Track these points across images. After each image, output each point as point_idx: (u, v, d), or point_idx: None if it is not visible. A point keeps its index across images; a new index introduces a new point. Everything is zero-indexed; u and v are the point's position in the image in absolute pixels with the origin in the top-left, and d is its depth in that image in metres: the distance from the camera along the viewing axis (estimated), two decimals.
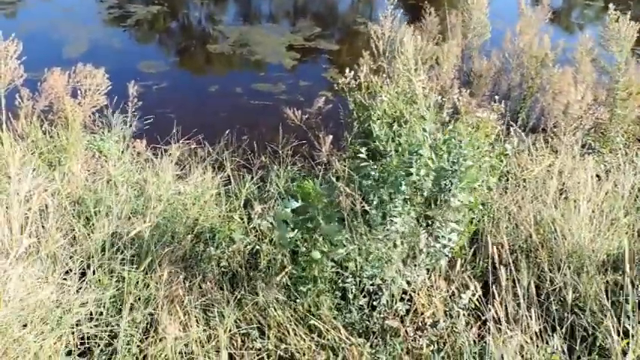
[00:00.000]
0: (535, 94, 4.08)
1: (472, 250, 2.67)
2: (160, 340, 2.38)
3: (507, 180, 3.04)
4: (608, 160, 3.16)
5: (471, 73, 4.47)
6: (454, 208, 2.21)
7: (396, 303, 2.44)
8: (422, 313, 2.54)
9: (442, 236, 2.30)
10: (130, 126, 3.87)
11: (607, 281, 2.52)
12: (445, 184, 2.19)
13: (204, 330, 2.45)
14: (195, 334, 2.38)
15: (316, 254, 2.32)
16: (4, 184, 2.88)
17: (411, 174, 2.27)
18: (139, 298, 2.52)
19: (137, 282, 2.57)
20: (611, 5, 3.89)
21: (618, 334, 2.26)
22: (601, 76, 4.19)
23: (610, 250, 2.61)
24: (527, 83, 4.19)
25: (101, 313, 2.44)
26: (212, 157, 3.73)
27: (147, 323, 2.48)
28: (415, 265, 2.36)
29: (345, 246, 2.35)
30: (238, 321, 2.53)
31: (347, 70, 3.19)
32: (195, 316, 2.47)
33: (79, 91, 4.06)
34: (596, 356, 2.34)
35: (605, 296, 2.45)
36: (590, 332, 2.37)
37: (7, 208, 2.56)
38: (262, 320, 2.53)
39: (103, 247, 2.67)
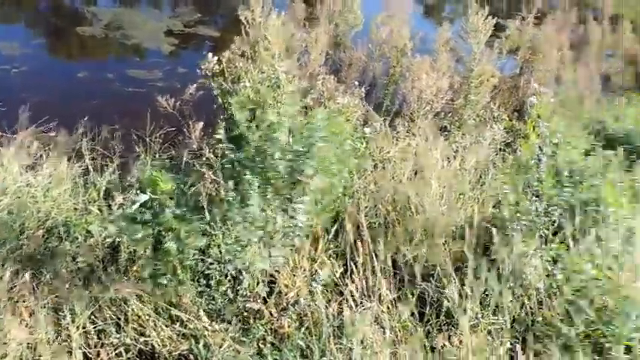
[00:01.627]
0: (397, 81, 4.32)
1: (334, 229, 2.77)
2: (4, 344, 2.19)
3: (369, 162, 3.19)
4: (458, 140, 3.44)
5: (341, 61, 4.61)
6: (311, 189, 2.27)
7: (257, 284, 2.46)
8: (286, 294, 2.60)
9: (295, 217, 2.36)
10: None
11: (453, 250, 2.74)
12: (299, 167, 2.24)
13: (56, 330, 2.30)
14: (44, 335, 2.22)
15: (172, 246, 2.27)
16: None
17: (266, 158, 2.29)
18: None
19: None
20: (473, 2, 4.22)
21: (461, 297, 2.49)
22: (459, 65, 4.54)
23: (458, 221, 2.85)
24: (390, 71, 4.42)
25: None
26: (69, 145, 3.49)
27: None
28: (273, 247, 2.40)
29: (204, 234, 2.32)
30: (94, 317, 2.41)
31: (210, 55, 3.14)
32: (44, 316, 2.30)
33: None
34: (444, 318, 2.54)
35: (450, 264, 2.67)
36: (437, 298, 2.58)
37: None
38: (121, 315, 2.43)
39: None
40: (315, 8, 4.82)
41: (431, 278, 2.68)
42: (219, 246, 2.52)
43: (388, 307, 2.47)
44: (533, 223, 2.59)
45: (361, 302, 2.41)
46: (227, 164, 2.52)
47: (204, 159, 3.45)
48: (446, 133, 3.81)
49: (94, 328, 2.32)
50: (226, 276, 2.53)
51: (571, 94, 4.86)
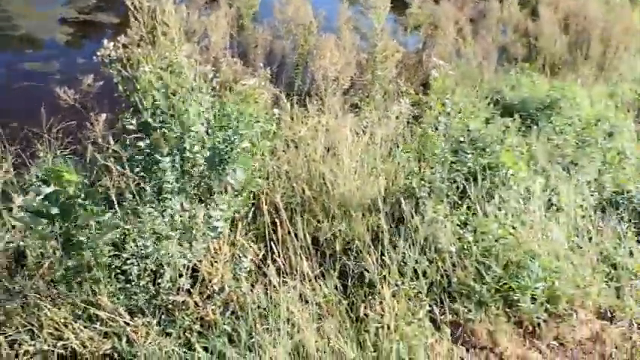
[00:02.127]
0: (305, 60, 4.36)
1: (251, 212, 2.77)
2: None
3: (282, 143, 3.21)
4: (368, 116, 3.54)
5: (245, 43, 4.56)
6: (231, 184, 2.26)
7: (180, 277, 2.42)
8: (210, 281, 2.58)
9: (215, 210, 2.34)
10: None
11: (369, 222, 2.85)
12: (220, 163, 2.22)
13: None
14: None
15: (83, 240, 2.17)
16: None
17: (185, 149, 2.25)
18: None
19: None
20: None
21: (381, 267, 2.61)
22: (363, 42, 4.65)
23: (371, 194, 2.96)
24: (297, 51, 4.44)
25: None
26: None
27: None
28: (194, 241, 2.37)
29: (116, 227, 2.24)
30: (5, 328, 2.26)
31: (105, 42, 2.98)
32: None
33: None
34: (366, 289, 2.65)
35: (368, 236, 2.78)
36: (357, 270, 2.67)
37: None
38: (34, 321, 2.30)
39: None
40: None
41: (350, 252, 2.77)
42: (134, 240, 2.44)
43: (311, 284, 2.53)
44: (439, 189, 2.75)
45: (284, 282, 2.45)
46: (138, 155, 2.44)
47: (110, 151, 3.31)
48: (357, 109, 3.90)
49: (5, 338, 2.18)
50: (145, 270, 2.47)
51: (470, 67, 5.14)
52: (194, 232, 2.34)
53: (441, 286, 2.64)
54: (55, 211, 2.16)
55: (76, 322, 2.29)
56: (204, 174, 2.29)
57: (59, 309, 2.33)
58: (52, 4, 7.92)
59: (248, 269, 2.51)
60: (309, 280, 2.51)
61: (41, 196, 2.11)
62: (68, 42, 6.81)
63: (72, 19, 7.43)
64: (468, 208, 2.94)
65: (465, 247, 2.71)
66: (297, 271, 2.55)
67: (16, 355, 2.23)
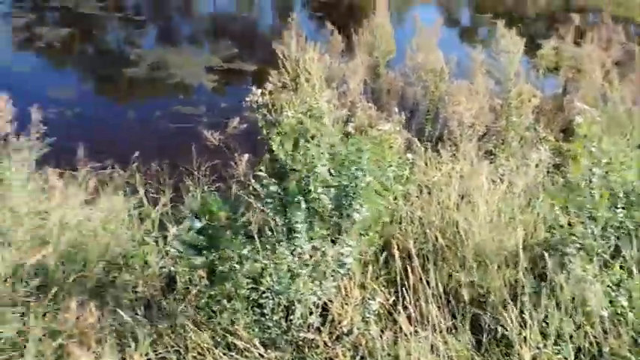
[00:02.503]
0: (436, 106, 4.35)
1: (384, 256, 2.77)
2: None
3: (414, 188, 3.20)
4: (504, 164, 3.41)
5: (379, 89, 4.69)
6: (356, 221, 2.30)
7: (310, 315, 2.48)
8: (339, 322, 2.61)
9: (344, 249, 2.39)
10: (37, 153, 3.70)
11: (507, 276, 2.70)
12: (345, 201, 2.28)
13: (121, 358, 2.37)
14: None
15: (226, 270, 2.33)
16: None
17: (310, 191, 2.34)
18: (47, 331, 2.41)
19: (44, 314, 2.45)
20: (499, 23, 4.25)
21: (520, 326, 2.44)
22: (497, 87, 4.54)
23: (509, 246, 2.81)
24: (429, 97, 4.45)
25: (2, 350, 2.31)
26: (123, 180, 3.65)
27: (57, 356, 2.37)
28: (324, 280, 2.42)
29: (255, 261, 2.37)
30: (155, 345, 2.47)
31: (254, 88, 3.24)
32: (110, 344, 2.39)
33: None
34: (503, 348, 2.49)
35: (505, 290, 2.63)
36: (493, 325, 2.53)
37: None
38: (180, 343, 2.49)
39: (5, 280, 2.53)
40: (351, 40, 4.94)
41: (485, 305, 2.64)
42: (270, 275, 2.56)
43: (442, 335, 2.44)
44: (590, 246, 2.53)
45: (415, 331, 2.39)
46: (270, 197, 2.58)
47: (251, 189, 3.54)
48: (491, 156, 3.79)
49: (156, 355, 2.38)
50: (279, 305, 2.56)
51: (618, 113, 4.76)
52: (323, 269, 2.39)
53: (590, 354, 2.39)
54: (204, 243, 2.35)
55: (216, 347, 2.43)
56: (332, 213, 2.35)
57: (201, 334, 2.50)
58: (202, 55, 8.87)
59: (377, 312, 2.49)
60: (441, 332, 2.42)
61: (193, 229, 2.31)
62: (213, 88, 7.53)
63: (217, 67, 8.23)
64: (621, 267, 2.66)
65: (619, 312, 2.44)
66: (428, 320, 2.48)
67: None
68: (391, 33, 4.97)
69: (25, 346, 2.35)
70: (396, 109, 3.48)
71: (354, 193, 2.25)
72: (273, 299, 2.54)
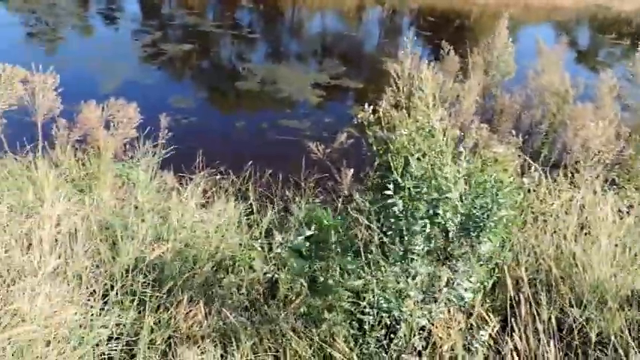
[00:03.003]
0: (557, 130, 4.09)
1: (491, 282, 2.64)
2: None
3: (527, 214, 3.03)
4: (630, 195, 3.13)
5: (492, 109, 4.52)
6: (478, 254, 2.22)
7: (413, 336, 2.42)
8: (440, 347, 2.51)
9: (460, 284, 2.30)
10: (159, 157, 4.01)
11: (630, 317, 2.46)
12: (474, 231, 2.20)
13: (222, 355, 2.47)
14: (212, 359, 2.40)
15: (330, 282, 2.34)
16: (38, 207, 3.01)
17: (437, 215, 2.28)
18: (159, 321, 2.57)
19: (158, 306, 2.62)
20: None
21: None
22: (625, 113, 4.19)
23: (633, 285, 2.56)
24: (549, 119, 4.21)
25: (121, 334, 2.49)
26: (235, 187, 3.83)
27: (166, 345, 2.52)
28: (435, 302, 2.35)
29: (361, 276, 2.37)
30: (255, 347, 2.54)
31: (366, 105, 3.26)
32: (213, 341, 2.50)
33: (111, 123, 4.27)
34: None
35: (628, 333, 2.39)
36: None
37: (38, 229, 2.67)
38: (279, 348, 2.54)
39: (127, 270, 2.75)
40: (465, 59, 4.83)
41: (604, 347, 2.41)
42: (372, 291, 2.54)
43: None
44: None
45: None
46: (388, 214, 2.55)
47: (354, 204, 3.55)
48: (614, 186, 3.49)
49: (256, 357, 2.45)
50: (379, 323, 2.53)
51: None
52: (437, 295, 2.32)
53: None
54: (309, 251, 2.39)
55: (314, 357, 2.45)
56: (452, 239, 2.28)
57: (299, 342, 2.53)
58: (309, 72, 9.15)
59: (485, 343, 2.37)
60: None
61: (302, 237, 2.35)
62: (318, 104, 7.72)
63: (323, 84, 8.44)
64: None
65: None
66: (535, 355, 2.32)
67: None
68: (512, 53, 4.80)
69: (138, 334, 2.53)
70: (512, 132, 3.32)
71: (483, 225, 2.17)
72: (374, 316, 2.51)
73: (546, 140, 4.14)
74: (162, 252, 2.64)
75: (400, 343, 2.42)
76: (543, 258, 2.73)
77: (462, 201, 2.21)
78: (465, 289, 2.23)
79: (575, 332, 2.49)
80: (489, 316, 2.44)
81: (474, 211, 2.15)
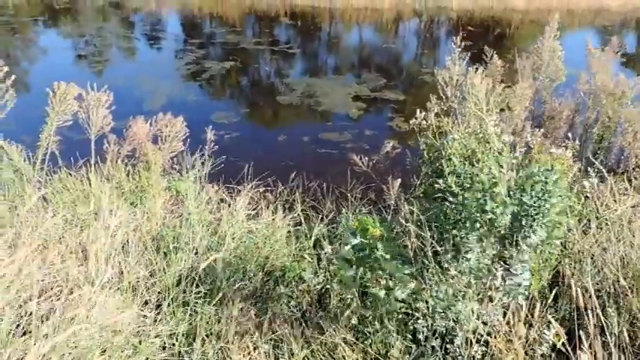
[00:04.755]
0: (613, 134, 3.91)
1: (553, 293, 2.52)
2: None
3: (588, 220, 2.89)
4: None
5: (543, 115, 4.37)
6: (531, 245, 2.11)
7: (471, 346, 2.32)
8: (500, 359, 2.41)
9: (516, 274, 2.20)
10: (206, 170, 4.06)
11: None
12: (525, 221, 2.10)
13: None
14: None
15: (380, 292, 2.28)
16: (92, 220, 3.08)
17: (486, 211, 2.21)
18: (211, 332, 2.56)
19: (210, 316, 2.62)
20: None
21: None
22: None
23: None
24: (603, 123, 4.03)
25: (173, 344, 2.50)
26: (282, 198, 3.83)
27: (217, 357, 2.50)
28: (491, 303, 2.25)
29: (411, 283, 2.29)
30: (307, 359, 2.50)
31: (418, 112, 3.22)
32: (265, 352, 2.47)
33: (159, 138, 4.36)
34: None
35: None
36: None
37: (93, 241, 2.73)
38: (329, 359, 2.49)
39: (179, 281, 2.76)
40: (509, 65, 4.71)
41: None
42: (426, 301, 2.46)
43: None
44: None
45: None
46: (440, 216, 2.49)
47: (402, 214, 3.48)
48: None
49: None
50: (434, 333, 2.45)
51: None
52: (491, 292, 2.23)
53: None
54: (357, 259, 2.33)
55: None
56: (506, 235, 2.18)
57: (352, 353, 2.47)
58: (349, 85, 9.15)
59: (548, 356, 2.25)
60: None
61: (349, 246, 2.31)
62: (358, 116, 7.69)
63: (364, 96, 8.42)
64: None
65: None
66: None
67: None
68: (562, 57, 4.65)
69: (191, 344, 2.53)
70: (569, 135, 3.19)
71: (536, 213, 2.07)
72: (428, 326, 2.43)
73: (602, 145, 3.97)
74: (213, 261, 2.64)
75: (457, 352, 2.33)
76: (609, 267, 2.58)
77: (510, 196, 2.12)
78: (522, 275, 2.13)
79: None
80: (553, 327, 2.32)
81: (525, 201, 2.05)
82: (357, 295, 2.68)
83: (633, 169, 3.32)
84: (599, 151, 3.94)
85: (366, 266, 2.37)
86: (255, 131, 7.36)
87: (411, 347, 2.50)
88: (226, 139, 6.63)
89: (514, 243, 2.18)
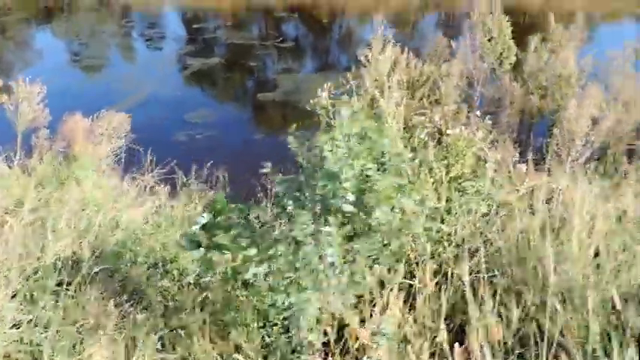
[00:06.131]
0: (552, 117, 3.55)
1: (436, 280, 2.21)
2: None
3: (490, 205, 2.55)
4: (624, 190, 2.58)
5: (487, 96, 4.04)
6: (372, 225, 1.85)
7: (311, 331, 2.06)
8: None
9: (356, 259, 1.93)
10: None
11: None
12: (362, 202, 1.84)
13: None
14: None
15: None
16: None
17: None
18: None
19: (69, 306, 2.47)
20: None
21: None
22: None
23: (605, 291, 2.07)
24: (549, 105, 3.67)
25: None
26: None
27: (73, 344, 2.33)
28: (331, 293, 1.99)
29: (255, 264, 2.05)
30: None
31: (319, 91, 3.00)
32: (127, 345, 2.28)
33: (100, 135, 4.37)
34: None
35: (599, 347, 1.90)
36: None
37: None
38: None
39: (55, 267, 2.63)
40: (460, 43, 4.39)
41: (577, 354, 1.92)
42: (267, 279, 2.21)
43: None
44: None
45: None
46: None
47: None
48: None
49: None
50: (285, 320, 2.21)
51: None
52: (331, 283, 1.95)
53: None
54: (203, 238, 2.13)
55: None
56: (352, 218, 1.92)
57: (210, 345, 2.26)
58: (334, 80, 8.93)
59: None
60: None
61: (197, 226, 2.11)
62: None
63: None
64: None
65: None
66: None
67: None
68: (508, 34, 4.26)
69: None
70: (478, 113, 2.89)
71: (370, 194, 1.82)
72: (275, 307, 2.17)
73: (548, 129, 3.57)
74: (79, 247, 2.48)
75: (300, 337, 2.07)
76: (503, 256, 2.28)
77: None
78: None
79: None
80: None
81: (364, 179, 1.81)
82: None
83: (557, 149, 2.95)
84: (547, 136, 3.57)
85: (213, 248, 2.16)
86: (232, 130, 7.25)
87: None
88: (197, 138, 6.56)
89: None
